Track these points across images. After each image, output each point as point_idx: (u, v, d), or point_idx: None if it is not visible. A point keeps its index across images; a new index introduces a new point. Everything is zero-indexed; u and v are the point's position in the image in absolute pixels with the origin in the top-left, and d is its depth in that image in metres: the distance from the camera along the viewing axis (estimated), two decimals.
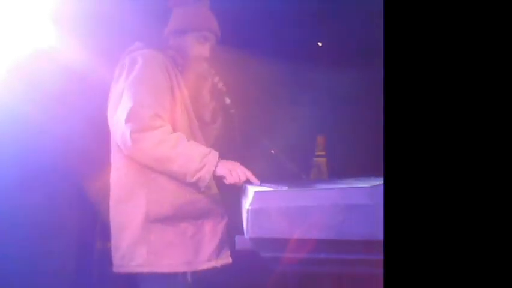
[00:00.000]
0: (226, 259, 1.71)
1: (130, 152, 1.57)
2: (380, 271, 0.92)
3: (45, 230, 2.13)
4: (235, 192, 1.65)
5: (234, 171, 1.57)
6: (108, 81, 1.77)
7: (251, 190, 1.23)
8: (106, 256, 2.47)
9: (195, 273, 1.63)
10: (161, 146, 1.54)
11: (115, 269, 1.68)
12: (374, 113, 1.77)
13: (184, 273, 1.61)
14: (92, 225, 2.41)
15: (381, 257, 0.91)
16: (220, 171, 1.57)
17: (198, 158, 1.55)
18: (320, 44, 2.67)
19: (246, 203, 1.18)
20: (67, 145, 1.83)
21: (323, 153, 2.44)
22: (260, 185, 1.50)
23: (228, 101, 1.79)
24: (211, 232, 1.66)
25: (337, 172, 2.34)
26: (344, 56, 2.56)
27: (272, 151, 1.77)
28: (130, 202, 1.64)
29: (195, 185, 1.59)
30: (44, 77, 1.96)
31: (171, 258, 1.60)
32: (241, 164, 1.66)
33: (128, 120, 1.53)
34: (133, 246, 1.61)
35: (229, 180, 1.57)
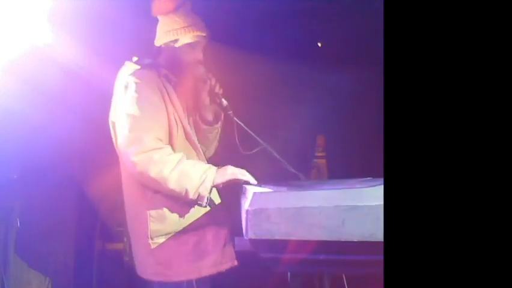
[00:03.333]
0: (231, 262, 1.77)
1: (133, 174, 1.66)
2: (380, 272, 0.91)
3: (45, 231, 2.13)
4: (235, 192, 1.65)
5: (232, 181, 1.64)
6: (104, 80, 1.78)
7: (250, 191, 1.23)
8: (105, 256, 2.47)
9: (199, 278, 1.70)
10: (160, 167, 1.59)
11: (139, 273, 1.77)
12: (374, 113, 1.77)
13: (189, 281, 1.68)
14: (92, 225, 2.41)
15: (381, 258, 0.90)
16: (218, 183, 1.64)
17: (197, 176, 1.60)
18: (319, 44, 2.67)
19: (245, 204, 1.18)
20: (63, 144, 1.83)
21: (322, 154, 2.44)
22: (259, 186, 1.50)
23: (225, 103, 1.80)
24: (213, 239, 1.71)
25: (337, 173, 2.34)
26: (344, 56, 2.56)
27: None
28: (136, 220, 1.74)
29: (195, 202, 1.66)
30: (40, 76, 1.96)
31: (176, 268, 1.68)
32: (240, 165, 1.67)
33: (128, 144, 1.62)
34: (145, 256, 1.71)
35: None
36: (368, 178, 1.54)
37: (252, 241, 1.17)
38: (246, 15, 2.32)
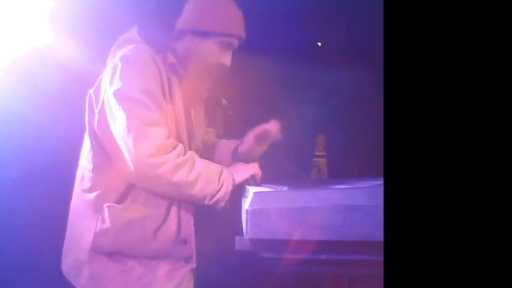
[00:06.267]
0: None
1: (144, 179, 1.37)
2: (380, 272, 0.91)
3: (45, 231, 2.13)
4: (235, 192, 1.66)
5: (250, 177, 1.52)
6: None
7: (251, 191, 1.23)
8: None
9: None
10: (183, 171, 1.35)
11: (64, 272, 1.51)
12: (374, 113, 1.77)
13: None
14: None
15: (381, 257, 0.90)
16: (239, 182, 1.49)
17: (216, 178, 1.41)
18: (319, 44, 2.67)
19: (246, 204, 1.18)
20: (64, 144, 1.83)
21: (323, 153, 2.45)
22: (260, 185, 1.50)
23: (225, 102, 1.75)
24: (166, 277, 1.43)
25: (337, 172, 2.34)
26: (344, 56, 2.56)
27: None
28: (84, 221, 1.46)
29: (153, 222, 1.43)
30: (42, 77, 1.96)
31: None
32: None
33: (139, 140, 1.32)
34: (80, 264, 1.44)
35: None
36: (368, 177, 1.54)
37: (252, 241, 1.17)
38: (245, 15, 2.32)
